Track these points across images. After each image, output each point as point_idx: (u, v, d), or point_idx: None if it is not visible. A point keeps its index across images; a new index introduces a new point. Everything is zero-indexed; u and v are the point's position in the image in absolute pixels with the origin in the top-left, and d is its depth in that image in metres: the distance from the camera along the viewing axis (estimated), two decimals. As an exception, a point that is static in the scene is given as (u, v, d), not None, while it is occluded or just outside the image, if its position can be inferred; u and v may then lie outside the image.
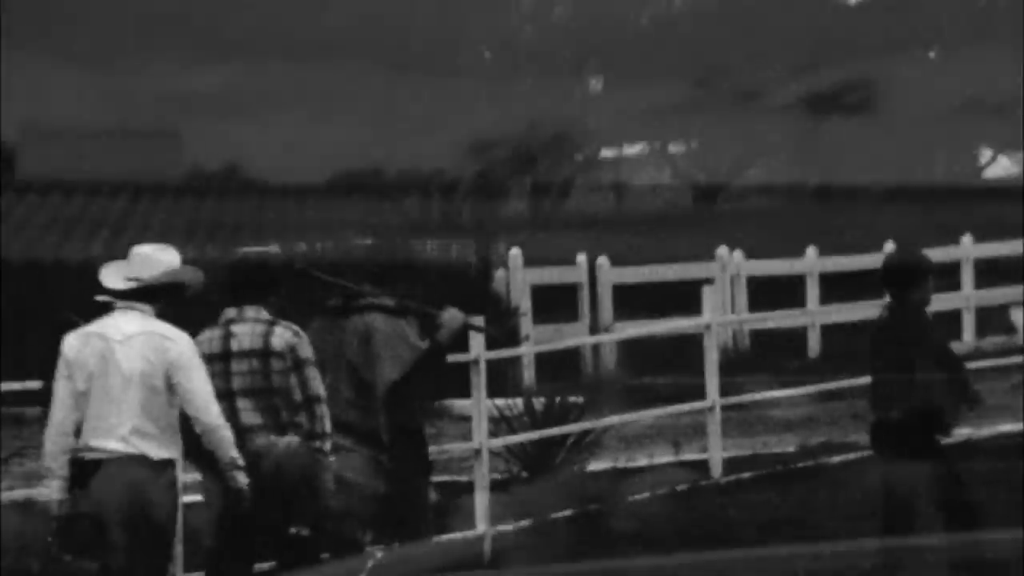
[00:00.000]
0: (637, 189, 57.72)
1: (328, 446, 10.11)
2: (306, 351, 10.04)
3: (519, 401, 16.17)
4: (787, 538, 13.50)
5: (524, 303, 25.44)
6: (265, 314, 10.10)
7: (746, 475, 16.34)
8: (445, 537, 12.69)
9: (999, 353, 24.78)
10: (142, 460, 9.21)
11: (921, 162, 54.11)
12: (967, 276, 29.21)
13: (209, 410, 9.31)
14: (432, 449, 14.78)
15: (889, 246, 28.55)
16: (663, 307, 24.30)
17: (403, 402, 10.29)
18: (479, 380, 14.13)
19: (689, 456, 16.72)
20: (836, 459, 16.98)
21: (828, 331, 26.45)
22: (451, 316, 10.29)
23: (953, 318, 27.46)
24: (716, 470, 16.36)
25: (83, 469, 9.26)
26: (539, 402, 15.93)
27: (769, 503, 15.17)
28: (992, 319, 28.70)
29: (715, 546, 13.33)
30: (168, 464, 9.29)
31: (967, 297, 27.34)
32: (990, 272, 29.62)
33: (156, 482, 9.25)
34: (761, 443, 18.27)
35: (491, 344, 12.11)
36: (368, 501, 10.27)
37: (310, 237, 28.19)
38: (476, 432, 14.17)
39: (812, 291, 27.48)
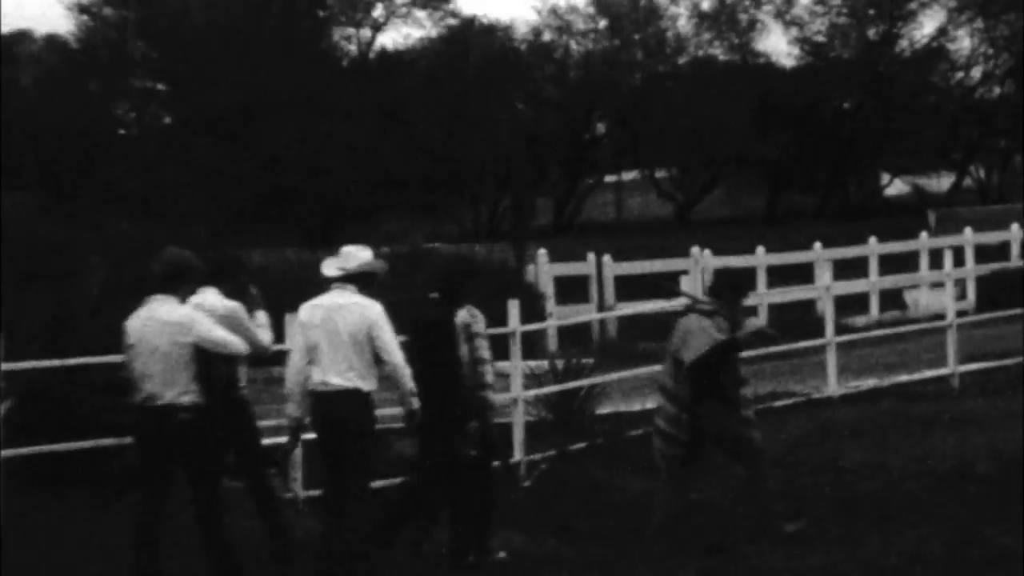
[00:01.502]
0: (632, 204, 57.65)
1: (490, 395, 10.69)
2: (477, 327, 10.57)
3: (545, 362, 16.08)
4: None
5: (549, 290, 25.37)
6: None
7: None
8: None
9: (895, 324, 24.66)
10: (356, 391, 9.74)
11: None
12: (872, 267, 29.02)
13: (396, 354, 9.77)
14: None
15: (817, 246, 28.50)
16: (652, 291, 24.16)
17: (701, 378, 10.53)
18: (516, 347, 14.04)
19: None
20: (779, 403, 16.81)
21: (773, 308, 26.24)
22: (751, 322, 10.73)
23: (862, 298, 27.28)
24: (691, 412, 16.21)
25: (319, 397, 9.77)
26: (560, 363, 15.81)
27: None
28: (890, 299, 28.55)
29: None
30: (370, 394, 9.83)
31: (872, 282, 27.11)
32: (889, 263, 29.50)
33: (365, 406, 9.81)
34: (723, 392, 18.08)
35: (767, 340, 11.96)
36: (670, 444, 10.53)
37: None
38: (514, 386, 14.06)
39: (761, 278, 27.31)
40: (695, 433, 10.61)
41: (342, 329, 9.74)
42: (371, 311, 9.80)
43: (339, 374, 9.72)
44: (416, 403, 9.82)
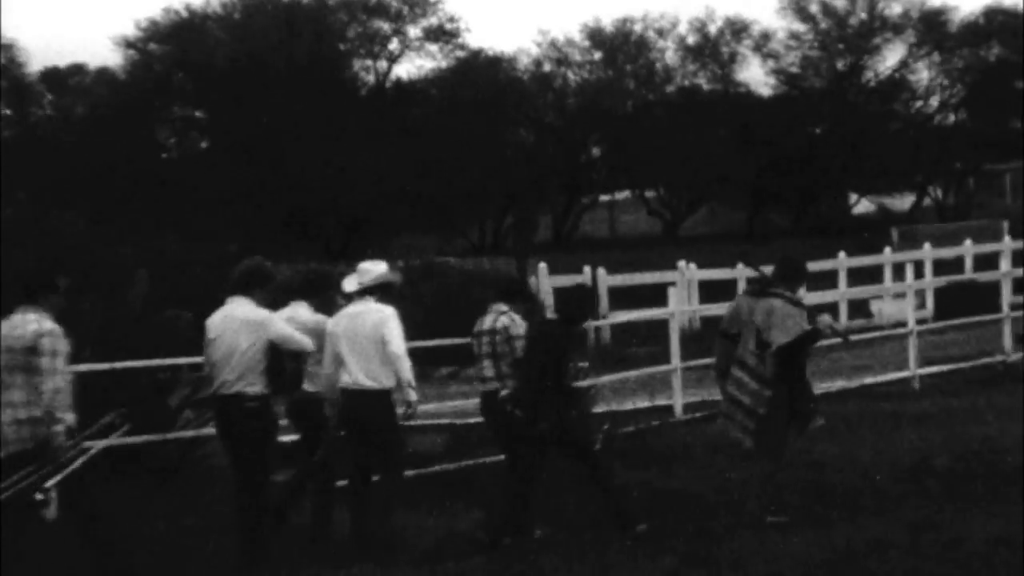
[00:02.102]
0: (624, 222, 57.67)
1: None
2: (516, 330, 10.60)
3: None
4: (726, 456, 13.37)
5: (549, 300, 25.40)
6: (503, 307, 10.70)
7: (698, 414, 16.18)
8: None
9: (861, 331, 24.67)
10: (376, 390, 9.86)
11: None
12: (842, 278, 29.07)
13: (398, 347, 9.87)
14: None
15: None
16: (642, 301, 24.22)
17: (784, 358, 10.26)
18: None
19: (660, 402, 16.61)
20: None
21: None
22: (826, 317, 10.45)
23: (832, 307, 27.30)
24: (678, 411, 16.24)
25: (346, 395, 9.95)
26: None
27: (715, 433, 14.99)
28: (857, 308, 28.59)
29: (677, 462, 13.20)
30: (390, 391, 9.93)
31: (842, 293, 27.15)
32: (857, 276, 29.54)
33: (386, 402, 9.91)
34: (708, 392, 18.10)
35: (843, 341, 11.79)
36: (750, 417, 10.30)
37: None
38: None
39: (742, 289, 27.29)
40: (770, 408, 10.37)
41: (362, 335, 9.90)
42: (383, 313, 9.98)
43: (361, 375, 9.86)
44: (413, 395, 9.90)
